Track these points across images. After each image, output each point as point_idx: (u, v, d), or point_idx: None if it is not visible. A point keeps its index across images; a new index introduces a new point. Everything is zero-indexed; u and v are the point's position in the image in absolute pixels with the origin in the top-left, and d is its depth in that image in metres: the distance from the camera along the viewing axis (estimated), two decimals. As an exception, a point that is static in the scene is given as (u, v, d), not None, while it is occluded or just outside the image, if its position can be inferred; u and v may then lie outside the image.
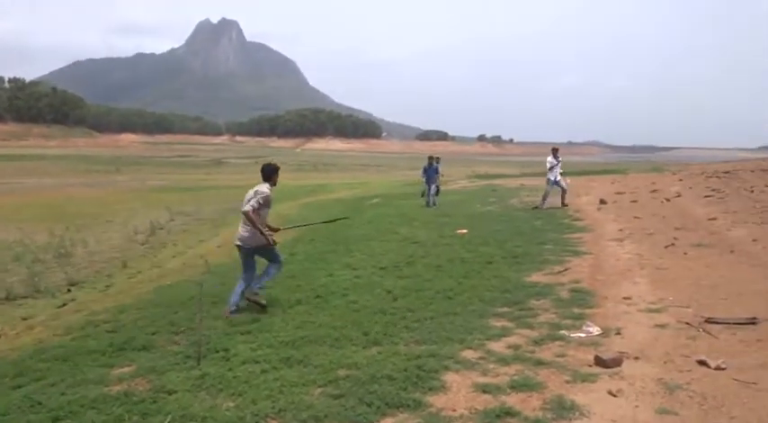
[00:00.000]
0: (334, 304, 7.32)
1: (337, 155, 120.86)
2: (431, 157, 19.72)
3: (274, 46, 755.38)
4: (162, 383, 4.87)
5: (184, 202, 26.76)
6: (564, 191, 17.74)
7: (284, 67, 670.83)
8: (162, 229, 19.18)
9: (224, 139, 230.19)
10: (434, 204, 18.85)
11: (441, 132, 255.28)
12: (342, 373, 4.88)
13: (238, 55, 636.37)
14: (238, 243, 7.26)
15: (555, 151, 18.02)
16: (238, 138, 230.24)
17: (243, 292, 7.23)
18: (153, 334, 6.56)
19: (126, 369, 5.41)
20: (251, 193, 7.11)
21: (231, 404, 4.38)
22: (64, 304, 10.21)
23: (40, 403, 4.61)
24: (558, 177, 17.67)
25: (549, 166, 17.75)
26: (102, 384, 4.98)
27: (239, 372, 5.02)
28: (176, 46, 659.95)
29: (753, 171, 27.36)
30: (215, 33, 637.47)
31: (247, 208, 6.97)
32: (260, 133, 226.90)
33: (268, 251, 7.32)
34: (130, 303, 8.68)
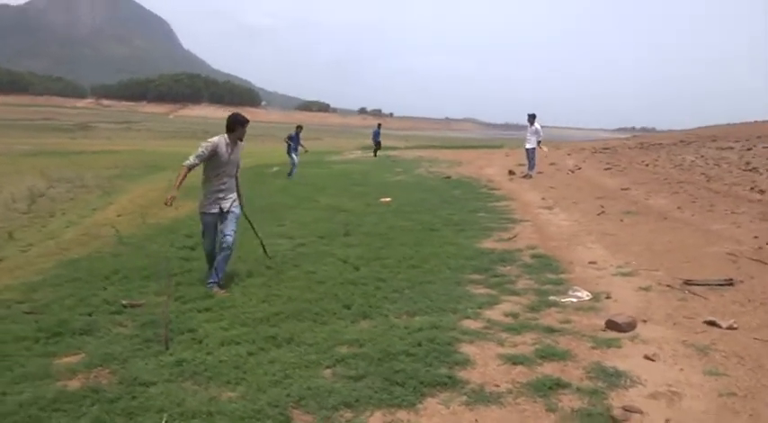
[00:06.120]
0: (290, 275, 6.68)
1: (213, 123, 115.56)
2: (298, 126, 19.60)
3: (146, 4, 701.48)
4: (131, 374, 4.06)
5: (61, 167, 24.39)
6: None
7: (156, 28, 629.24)
8: (43, 196, 17.25)
9: (89, 102, 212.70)
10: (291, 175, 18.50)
11: (322, 104, 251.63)
12: (344, 350, 4.34)
13: (105, 11, 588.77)
14: None
15: (534, 117, 17.21)
16: (105, 101, 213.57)
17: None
18: (89, 314, 5.61)
19: (73, 358, 4.51)
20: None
21: (232, 394, 3.72)
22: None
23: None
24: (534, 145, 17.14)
25: (539, 132, 17.02)
26: (51, 378, 4.09)
27: (222, 355, 4.31)
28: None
29: (631, 148, 29.09)
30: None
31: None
32: (129, 97, 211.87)
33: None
34: (39, 280, 7.49)
